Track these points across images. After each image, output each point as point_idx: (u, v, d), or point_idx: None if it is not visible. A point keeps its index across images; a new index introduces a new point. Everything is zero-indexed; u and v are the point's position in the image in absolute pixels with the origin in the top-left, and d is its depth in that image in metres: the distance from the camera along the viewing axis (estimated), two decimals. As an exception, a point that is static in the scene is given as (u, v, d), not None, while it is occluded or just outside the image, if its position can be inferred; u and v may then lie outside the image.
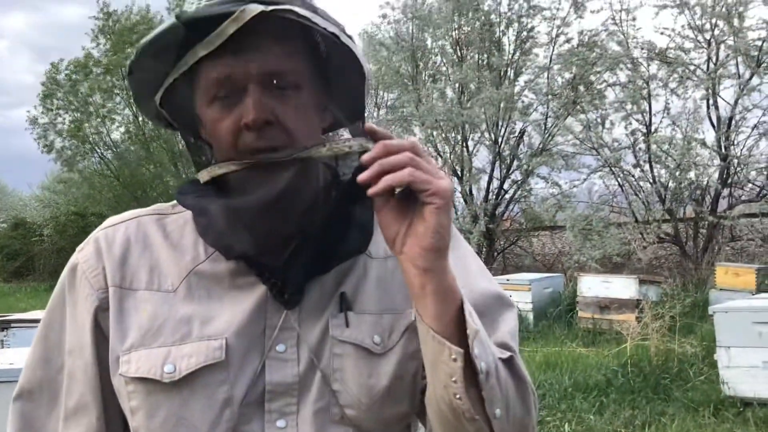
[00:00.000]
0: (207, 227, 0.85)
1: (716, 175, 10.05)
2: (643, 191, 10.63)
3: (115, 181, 18.49)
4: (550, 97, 11.00)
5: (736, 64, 9.81)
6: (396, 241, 0.76)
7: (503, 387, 0.79)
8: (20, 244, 19.21)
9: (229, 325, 0.84)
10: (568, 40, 11.24)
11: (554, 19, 11.27)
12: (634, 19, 10.39)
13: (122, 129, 18.66)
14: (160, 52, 0.81)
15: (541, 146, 11.30)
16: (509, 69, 11.61)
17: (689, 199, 10.44)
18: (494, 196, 11.86)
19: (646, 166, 10.47)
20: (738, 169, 10.07)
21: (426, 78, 12.30)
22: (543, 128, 11.35)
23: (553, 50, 11.33)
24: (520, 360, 0.88)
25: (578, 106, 10.69)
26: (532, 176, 11.63)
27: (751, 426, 4.29)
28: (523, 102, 11.51)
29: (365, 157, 0.74)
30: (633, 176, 10.71)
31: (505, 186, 11.97)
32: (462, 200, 11.81)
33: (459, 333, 0.76)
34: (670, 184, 10.21)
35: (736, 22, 9.60)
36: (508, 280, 7.78)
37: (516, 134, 11.81)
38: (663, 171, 10.31)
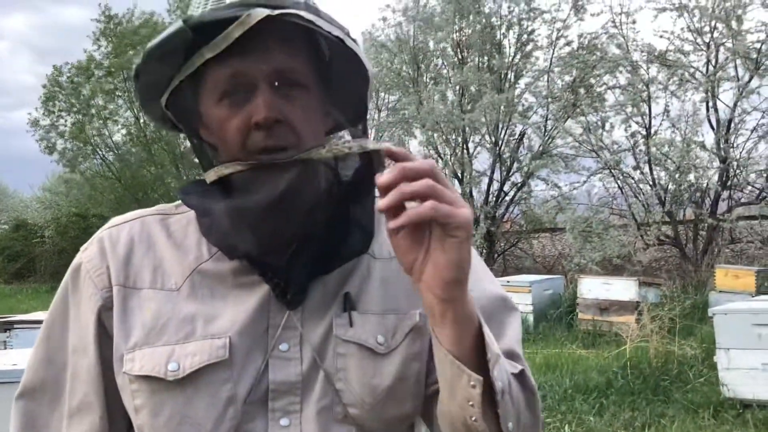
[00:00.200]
0: (210, 227, 0.86)
1: (716, 177, 10.06)
2: (643, 193, 10.64)
3: (117, 183, 18.50)
4: (550, 99, 11.01)
5: (735, 67, 9.83)
6: (413, 268, 0.74)
7: (515, 401, 0.80)
8: (21, 246, 19.20)
9: (232, 324, 0.84)
10: (568, 43, 11.27)
11: (554, 22, 11.30)
12: (634, 22, 10.42)
13: (124, 131, 18.68)
14: (166, 55, 0.82)
15: (541, 149, 11.31)
16: (510, 72, 11.62)
17: (689, 202, 10.44)
18: (494, 199, 11.87)
19: (646, 169, 10.48)
20: (737, 171, 10.08)
21: (428, 80, 12.31)
22: (543, 131, 11.36)
23: (553, 53, 11.36)
24: (529, 371, 0.89)
25: (578, 109, 10.71)
26: (532, 178, 11.64)
27: (750, 428, 4.30)
28: (523, 105, 11.52)
29: (381, 180, 0.70)
30: (633, 178, 10.72)
31: (505, 188, 11.98)
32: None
33: (477, 357, 0.76)
34: (670, 186, 10.21)
35: (734, 24, 9.61)
36: (508, 281, 7.80)
37: (516, 137, 11.82)
38: (663, 173, 10.33)
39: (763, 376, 4.50)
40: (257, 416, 0.83)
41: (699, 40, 10.04)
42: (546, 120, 11.32)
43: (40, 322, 3.18)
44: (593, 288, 7.34)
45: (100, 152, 18.71)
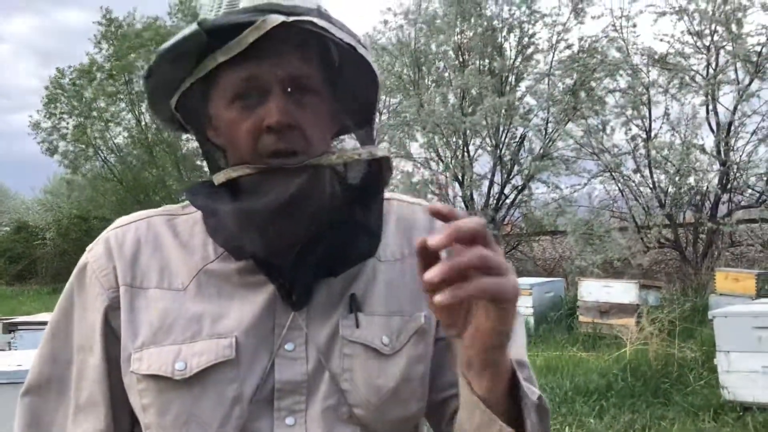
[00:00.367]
0: (216, 228, 0.87)
1: (716, 180, 10.06)
2: (643, 196, 10.65)
3: (118, 185, 18.52)
4: (550, 102, 11.02)
5: (735, 70, 9.84)
6: (452, 329, 0.73)
7: (534, 427, 0.80)
8: (23, 248, 19.20)
9: (239, 324, 0.85)
10: (568, 46, 11.28)
11: (555, 25, 11.31)
12: (634, 25, 10.42)
13: (125, 133, 18.70)
14: (178, 57, 0.83)
15: (541, 151, 11.32)
16: (511, 75, 11.63)
17: (689, 205, 10.44)
18: (495, 201, 11.87)
19: (646, 172, 10.48)
20: (737, 174, 10.08)
21: (429, 83, 12.32)
22: (544, 134, 11.37)
23: (553, 56, 11.37)
24: (535, 378, 0.91)
25: (579, 112, 10.72)
26: (532, 181, 11.65)
27: (750, 431, 4.30)
28: (525, 107, 11.53)
29: (433, 242, 0.66)
30: (633, 181, 10.73)
31: (506, 191, 11.99)
32: (463, 206, 11.83)
33: (507, 402, 0.77)
34: (670, 189, 10.22)
35: (734, 28, 9.62)
36: (509, 284, 7.78)
37: (517, 139, 11.83)
38: (663, 176, 10.33)
39: (763, 379, 4.50)
40: (263, 415, 0.84)
41: (699, 44, 10.05)
42: (547, 123, 11.33)
43: (44, 323, 3.19)
44: (593, 291, 7.35)
45: (101, 154, 18.73)
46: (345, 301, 0.89)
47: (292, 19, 0.79)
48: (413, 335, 0.90)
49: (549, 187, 11.36)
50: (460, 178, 11.63)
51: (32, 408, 0.91)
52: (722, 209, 10.17)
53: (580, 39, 11.07)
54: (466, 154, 11.71)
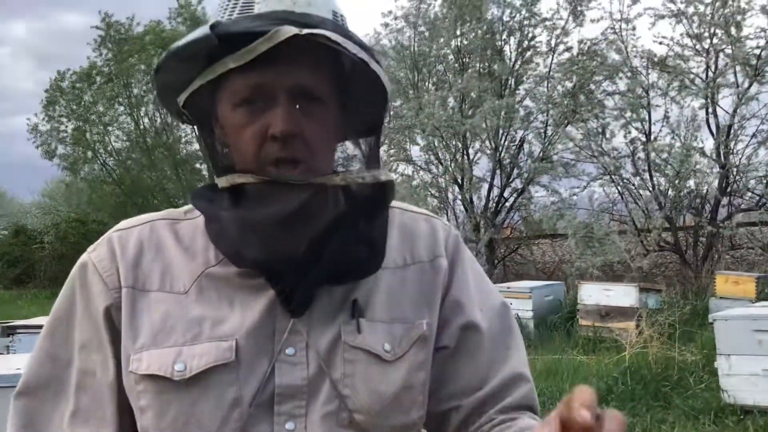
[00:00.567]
0: (219, 234, 0.87)
1: (715, 183, 10.07)
2: (643, 199, 10.65)
3: (117, 188, 18.53)
4: (550, 105, 11.03)
5: (735, 73, 9.85)
6: None
7: None
8: (21, 251, 19.17)
9: (239, 327, 0.85)
10: (567, 49, 11.30)
11: (555, 29, 11.33)
12: (633, 28, 10.44)
13: (124, 137, 18.72)
14: (188, 57, 0.83)
15: (541, 154, 11.33)
16: (510, 78, 11.65)
17: (689, 208, 10.45)
18: (494, 204, 11.88)
19: (646, 175, 10.49)
20: (737, 177, 10.09)
21: (430, 86, 12.34)
22: (543, 136, 11.39)
23: (552, 59, 11.39)
24: (534, 389, 0.93)
25: (578, 115, 10.73)
26: (532, 184, 11.66)
27: (751, 434, 4.30)
28: (525, 109, 11.54)
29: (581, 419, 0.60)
30: (633, 184, 10.74)
31: (506, 194, 11.99)
32: (463, 209, 11.85)
33: None
34: (670, 192, 10.23)
35: (734, 31, 9.64)
36: (508, 287, 7.79)
37: (516, 142, 11.84)
38: (662, 179, 10.34)
39: (763, 382, 4.50)
40: (263, 420, 0.84)
41: (698, 46, 10.06)
42: (546, 126, 11.34)
43: (42, 327, 3.18)
44: (593, 294, 7.34)
45: (100, 158, 18.74)
46: (347, 307, 0.89)
47: (305, 32, 0.79)
48: (415, 342, 0.90)
49: (548, 191, 11.39)
50: (459, 181, 11.63)
51: (26, 410, 0.90)
52: (722, 212, 10.18)
53: (580, 42, 11.10)
54: (465, 157, 11.71)
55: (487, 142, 11.79)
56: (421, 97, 11.61)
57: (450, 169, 11.66)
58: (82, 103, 18.13)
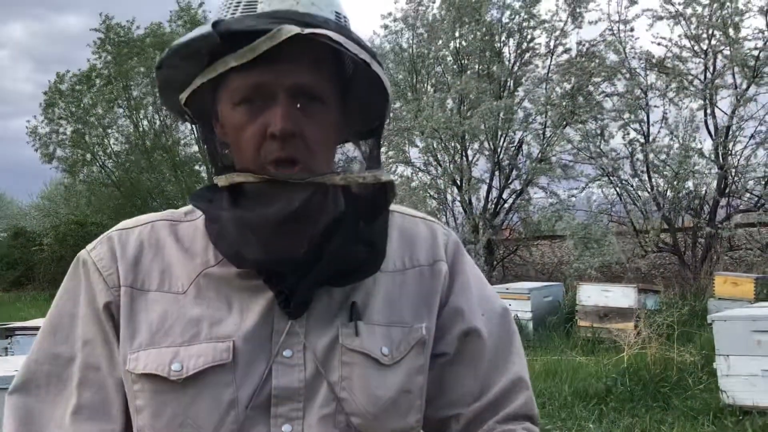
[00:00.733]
0: (219, 235, 0.87)
1: (714, 184, 10.07)
2: (641, 200, 10.66)
3: (116, 191, 18.52)
4: (548, 107, 11.04)
5: (733, 74, 9.85)
6: None
7: None
8: (20, 254, 19.16)
9: (237, 328, 0.85)
10: (566, 51, 11.31)
11: (554, 31, 11.34)
12: (632, 29, 10.44)
13: (123, 139, 18.71)
14: (190, 55, 0.83)
15: (539, 156, 11.34)
16: (509, 79, 11.66)
17: (687, 209, 10.45)
18: (493, 206, 11.88)
19: (644, 176, 10.50)
20: (736, 178, 10.09)
21: (428, 88, 12.34)
22: (542, 138, 11.39)
23: (551, 60, 11.40)
24: (533, 396, 0.93)
25: (576, 116, 10.74)
26: (531, 186, 11.66)
27: (749, 434, 4.30)
28: (524, 111, 11.55)
29: None
30: (631, 186, 10.74)
31: (504, 195, 12.00)
32: (462, 210, 11.84)
33: None
34: (668, 193, 10.23)
35: (732, 32, 9.64)
36: (507, 289, 7.79)
37: (515, 144, 11.85)
38: (661, 180, 10.34)
39: (762, 382, 4.50)
40: (259, 421, 0.83)
41: (697, 48, 10.07)
42: (545, 127, 11.35)
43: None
44: (592, 295, 7.34)
45: (99, 160, 18.74)
46: (345, 309, 0.88)
47: (307, 31, 0.78)
48: (414, 346, 0.90)
49: (547, 193, 11.39)
50: (458, 182, 11.64)
51: (24, 406, 0.88)
52: (721, 213, 10.18)
53: (578, 43, 11.11)
54: (464, 158, 11.72)
55: (485, 144, 11.79)
56: (419, 99, 11.61)
57: (448, 170, 11.66)
58: (82, 105, 18.12)
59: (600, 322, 7.20)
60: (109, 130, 18.47)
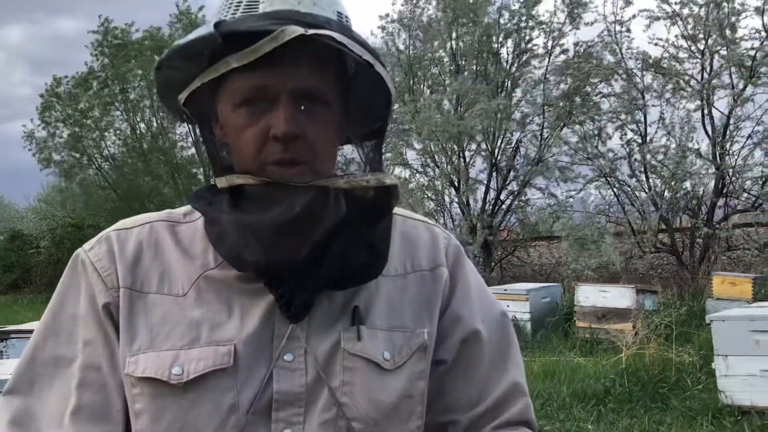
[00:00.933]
0: (219, 237, 0.86)
1: (711, 184, 10.08)
2: (639, 201, 10.67)
3: (113, 193, 18.49)
4: (545, 108, 11.05)
5: (730, 74, 9.87)
6: None
7: None
8: (17, 257, 19.13)
9: (238, 332, 0.84)
10: (563, 51, 11.32)
11: (552, 32, 11.35)
12: (628, 30, 10.46)
13: (120, 142, 18.68)
14: (190, 55, 0.82)
15: (537, 157, 11.35)
16: (507, 80, 11.67)
17: (685, 209, 10.46)
18: (491, 207, 11.88)
19: (642, 176, 10.51)
20: (733, 179, 10.11)
21: (424, 89, 12.35)
22: (539, 139, 11.40)
23: (548, 61, 11.40)
24: (531, 405, 0.93)
25: (573, 117, 10.75)
26: (528, 187, 11.67)
27: (748, 434, 4.29)
28: (521, 112, 11.56)
29: None
30: (629, 186, 10.75)
31: (502, 196, 12.00)
32: (459, 211, 11.84)
33: None
34: (666, 193, 10.24)
35: (728, 32, 9.66)
36: (505, 290, 7.79)
37: (512, 145, 11.86)
38: (658, 181, 10.35)
39: (761, 382, 4.50)
40: (260, 426, 0.83)
41: (693, 48, 10.09)
42: (542, 128, 11.35)
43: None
44: (590, 295, 7.34)
45: (95, 162, 18.70)
46: (347, 314, 0.88)
47: (310, 32, 0.77)
48: (415, 351, 0.90)
49: (544, 193, 11.41)
50: (455, 183, 11.64)
51: (18, 405, 0.86)
52: (718, 213, 10.19)
53: (576, 44, 11.12)
54: (461, 159, 11.72)
55: (483, 145, 11.80)
56: (416, 100, 11.61)
57: (446, 171, 11.66)
58: (79, 108, 18.09)
59: (598, 323, 7.20)
60: (106, 133, 18.43)
